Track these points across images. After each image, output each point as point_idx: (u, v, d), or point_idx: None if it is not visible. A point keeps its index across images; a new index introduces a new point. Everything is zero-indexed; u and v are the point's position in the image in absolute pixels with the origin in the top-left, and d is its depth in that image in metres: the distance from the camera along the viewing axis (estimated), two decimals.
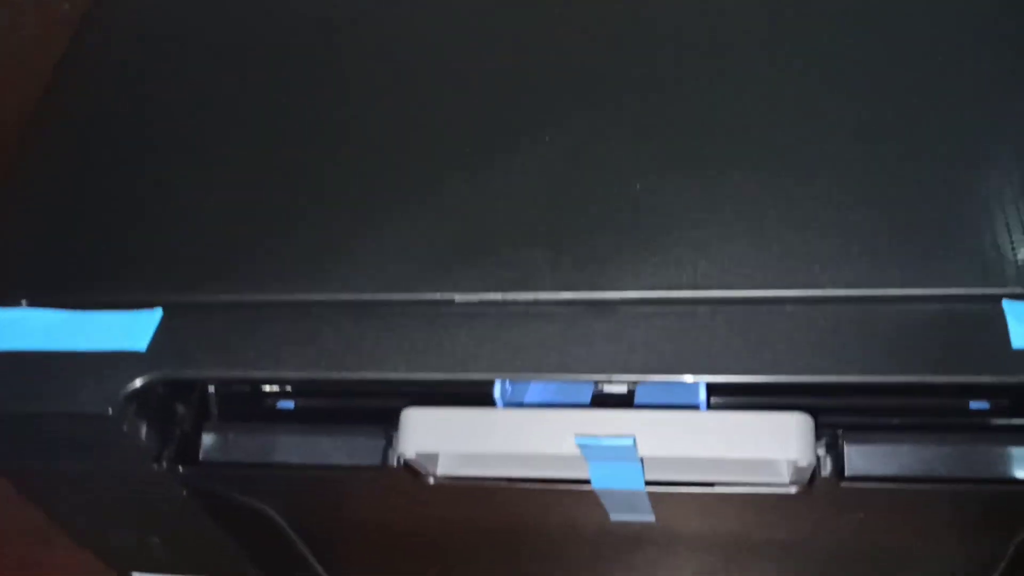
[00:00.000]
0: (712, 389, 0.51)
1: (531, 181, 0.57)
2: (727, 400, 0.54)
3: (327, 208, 0.58)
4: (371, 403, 0.59)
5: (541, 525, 0.63)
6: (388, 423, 0.54)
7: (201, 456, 0.57)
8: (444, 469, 0.55)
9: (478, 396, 0.52)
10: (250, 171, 0.61)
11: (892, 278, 0.51)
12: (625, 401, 0.55)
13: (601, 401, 0.55)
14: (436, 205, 0.57)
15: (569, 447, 0.50)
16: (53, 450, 0.56)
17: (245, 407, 0.59)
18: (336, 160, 0.60)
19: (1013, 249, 0.51)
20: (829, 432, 0.51)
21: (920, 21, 0.61)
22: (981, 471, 0.51)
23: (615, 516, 0.58)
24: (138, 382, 0.52)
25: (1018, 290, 0.49)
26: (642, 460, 0.51)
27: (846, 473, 0.51)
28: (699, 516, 0.60)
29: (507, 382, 0.53)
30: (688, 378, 0.50)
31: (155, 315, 0.55)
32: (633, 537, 0.63)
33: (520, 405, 0.54)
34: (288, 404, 0.61)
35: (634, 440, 0.49)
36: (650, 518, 0.58)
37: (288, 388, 0.61)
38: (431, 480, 0.55)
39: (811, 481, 0.52)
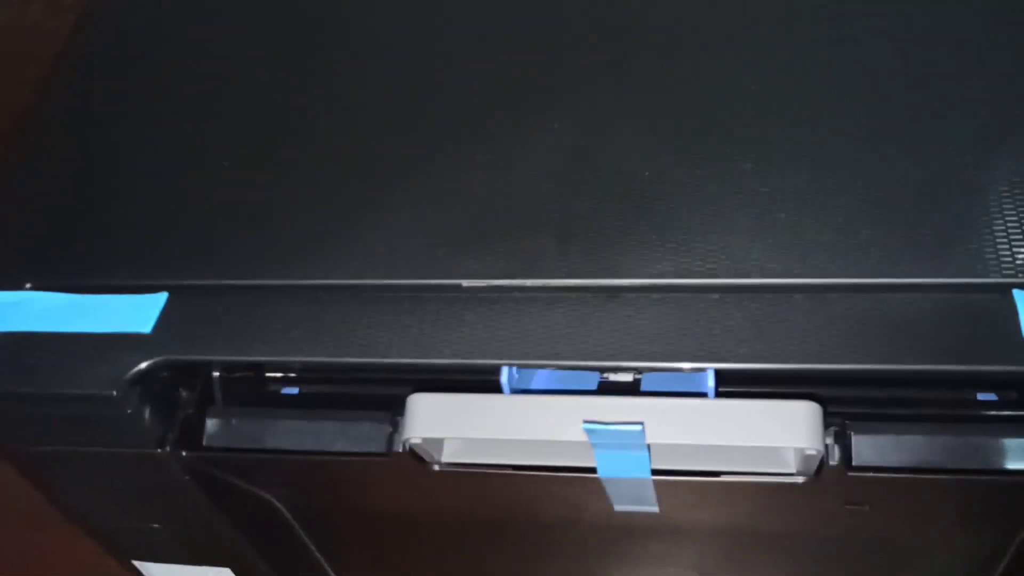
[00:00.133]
0: (720, 377, 0.51)
1: (539, 167, 0.57)
2: (735, 389, 0.53)
3: (334, 192, 0.58)
4: (375, 390, 0.58)
5: (545, 515, 0.63)
6: (393, 410, 0.54)
7: (204, 441, 0.56)
8: (449, 456, 0.55)
9: (484, 383, 0.52)
10: (257, 156, 0.61)
11: (902, 267, 0.51)
12: (631, 389, 0.55)
13: (607, 389, 0.55)
14: (444, 191, 0.57)
15: (576, 433, 0.49)
16: (57, 433, 0.56)
17: (249, 393, 0.59)
18: (343, 145, 0.60)
19: None
20: (837, 421, 0.51)
21: (934, 16, 0.61)
22: (988, 462, 0.51)
23: (619, 507, 0.58)
24: (143, 364, 0.52)
25: None
26: (649, 448, 0.51)
27: (853, 463, 0.51)
28: (704, 507, 0.60)
29: (514, 369, 0.52)
30: (697, 366, 0.50)
31: (160, 298, 0.55)
32: (637, 528, 0.63)
33: (527, 392, 0.53)
34: (292, 390, 0.61)
35: (642, 426, 0.49)
36: (654, 509, 0.58)
37: (292, 374, 0.60)
38: (436, 467, 0.55)
39: (818, 471, 0.51)
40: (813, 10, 0.63)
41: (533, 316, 0.52)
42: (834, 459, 0.51)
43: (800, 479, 0.52)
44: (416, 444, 0.52)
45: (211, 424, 0.56)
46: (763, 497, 0.56)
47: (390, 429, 0.54)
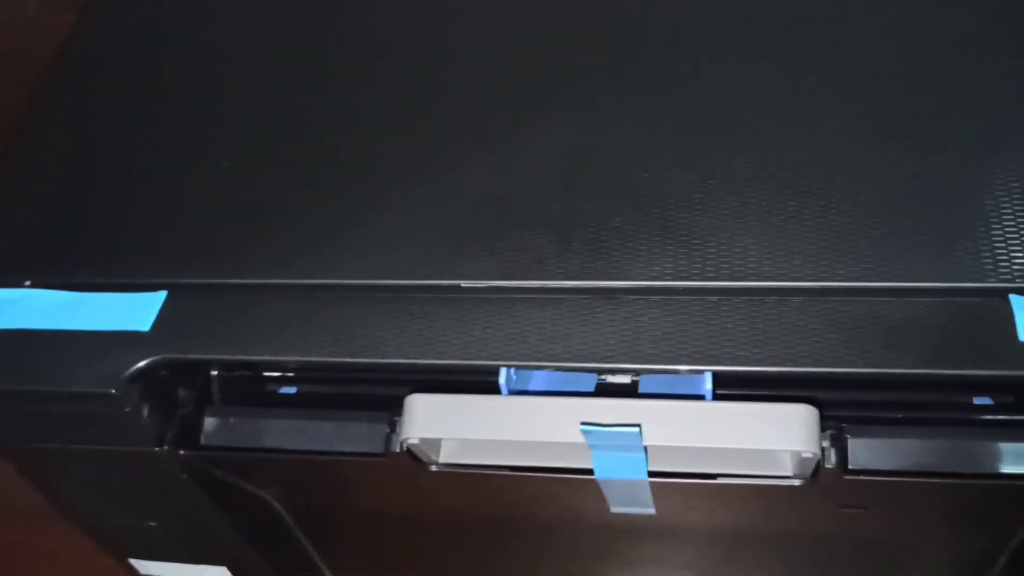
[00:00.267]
0: (718, 380, 0.51)
1: (538, 168, 0.57)
2: (733, 391, 0.54)
3: (334, 192, 0.58)
4: (373, 390, 0.58)
5: (542, 516, 0.63)
6: (391, 410, 0.54)
7: (202, 440, 0.56)
8: (446, 457, 0.55)
9: (482, 384, 0.52)
10: (257, 155, 0.61)
11: (899, 271, 0.51)
12: (629, 391, 0.55)
13: (605, 391, 0.55)
14: (442, 191, 0.57)
15: (574, 435, 0.49)
16: (55, 430, 0.56)
17: (247, 392, 0.59)
18: (343, 144, 0.60)
19: (1021, 243, 0.51)
20: (834, 425, 0.51)
21: (934, 16, 0.61)
22: (984, 466, 0.51)
23: (616, 508, 0.58)
24: (142, 363, 0.52)
25: None
26: (646, 449, 0.51)
27: (850, 466, 0.51)
28: (701, 509, 0.60)
29: (512, 369, 0.52)
30: (694, 368, 0.50)
31: (159, 297, 0.55)
32: (634, 530, 0.63)
33: (524, 393, 0.53)
34: (290, 390, 0.61)
35: (639, 428, 0.49)
36: (651, 511, 0.58)
37: (290, 373, 0.60)
38: (433, 468, 0.55)
39: (815, 474, 0.51)
40: (813, 10, 0.63)
41: (531, 317, 0.52)
42: (830, 462, 0.51)
43: (796, 482, 0.52)
44: (414, 444, 0.52)
45: (209, 423, 0.56)
46: (759, 500, 0.56)
47: (388, 429, 0.54)
